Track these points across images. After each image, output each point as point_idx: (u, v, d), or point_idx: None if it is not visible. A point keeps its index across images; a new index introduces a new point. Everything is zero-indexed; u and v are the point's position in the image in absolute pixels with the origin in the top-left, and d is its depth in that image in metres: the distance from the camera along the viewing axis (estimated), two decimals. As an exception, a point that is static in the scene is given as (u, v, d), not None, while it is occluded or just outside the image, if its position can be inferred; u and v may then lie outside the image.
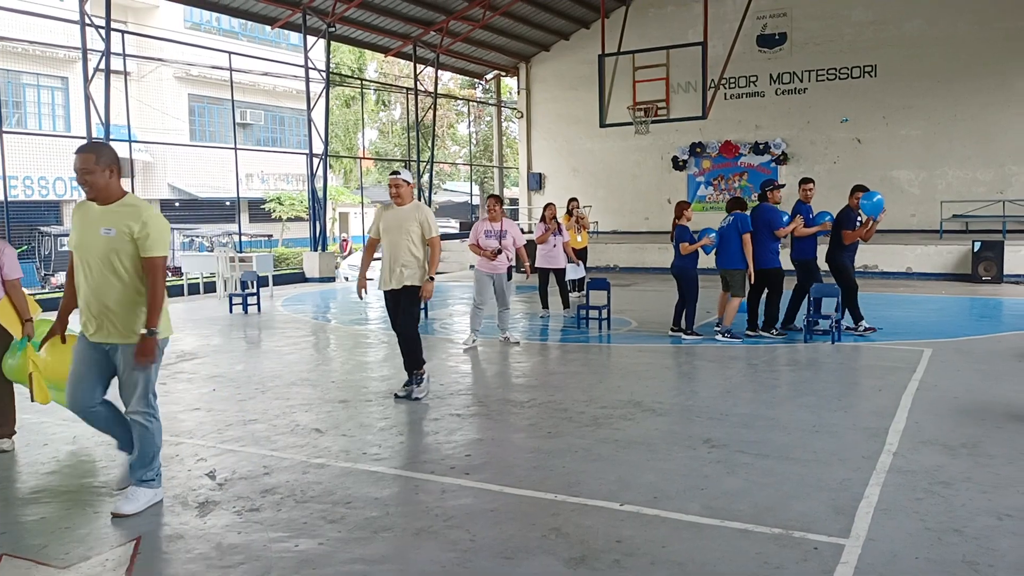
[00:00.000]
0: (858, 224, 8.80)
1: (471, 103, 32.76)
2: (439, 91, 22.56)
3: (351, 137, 31.73)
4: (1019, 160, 18.41)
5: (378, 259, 7.07)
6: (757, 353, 8.10)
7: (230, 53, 17.96)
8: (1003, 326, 10.08)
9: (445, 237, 14.50)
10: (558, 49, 23.67)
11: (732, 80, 20.85)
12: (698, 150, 21.87)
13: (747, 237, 8.50)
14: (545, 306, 11.03)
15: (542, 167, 24.62)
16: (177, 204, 28.33)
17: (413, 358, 6.32)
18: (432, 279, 6.20)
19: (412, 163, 21.40)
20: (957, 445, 4.84)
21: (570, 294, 11.67)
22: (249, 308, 12.31)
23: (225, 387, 6.93)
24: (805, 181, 9.17)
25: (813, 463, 4.57)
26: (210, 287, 15.54)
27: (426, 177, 21.37)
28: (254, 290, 12.51)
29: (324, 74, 18.07)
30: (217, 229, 24.89)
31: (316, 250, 18.42)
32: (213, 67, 22.45)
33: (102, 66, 13.46)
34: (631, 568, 3.29)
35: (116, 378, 4.00)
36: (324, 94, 18.01)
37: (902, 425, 5.29)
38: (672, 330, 9.08)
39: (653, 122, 16.09)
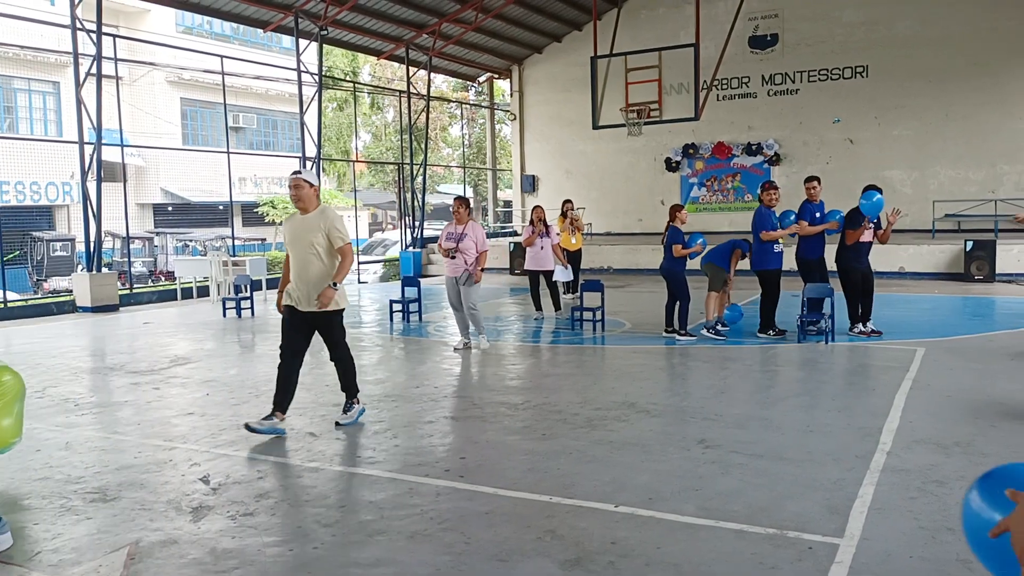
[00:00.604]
0: (872, 224, 8.70)
1: (464, 106, 32.78)
2: (432, 94, 22.54)
3: (344, 140, 31.69)
4: (1011, 160, 18.48)
5: None
6: (751, 354, 8.11)
7: (222, 57, 17.90)
8: (996, 325, 10.13)
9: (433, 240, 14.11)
10: (550, 51, 23.69)
11: (724, 81, 20.88)
12: (691, 151, 21.89)
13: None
14: (538, 308, 11.04)
15: (535, 169, 24.63)
16: (170, 208, 28.28)
17: (346, 381, 5.75)
18: (334, 286, 5.32)
19: (405, 166, 21.38)
20: (951, 444, 4.85)
21: (563, 296, 11.69)
22: (243, 312, 12.29)
23: (219, 391, 6.91)
24: (810, 179, 9.13)
25: (807, 463, 4.58)
26: (203, 291, 15.48)
27: (420, 180, 21.37)
28: (247, 294, 12.49)
29: (316, 77, 18.05)
30: (210, 233, 24.78)
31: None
32: (205, 71, 22.41)
33: (94, 70, 13.40)
34: (626, 570, 3.29)
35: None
36: (317, 97, 17.99)
37: (896, 424, 5.30)
38: (666, 331, 9.10)
39: (646, 124, 16.10)
